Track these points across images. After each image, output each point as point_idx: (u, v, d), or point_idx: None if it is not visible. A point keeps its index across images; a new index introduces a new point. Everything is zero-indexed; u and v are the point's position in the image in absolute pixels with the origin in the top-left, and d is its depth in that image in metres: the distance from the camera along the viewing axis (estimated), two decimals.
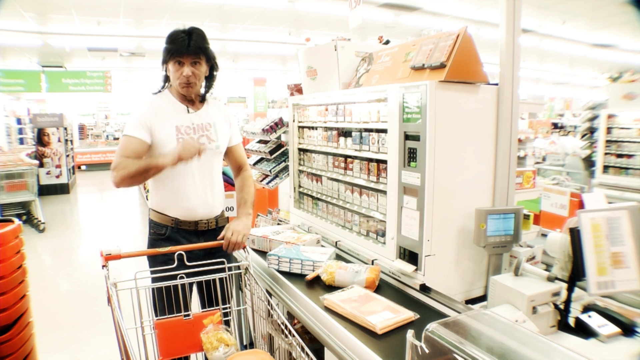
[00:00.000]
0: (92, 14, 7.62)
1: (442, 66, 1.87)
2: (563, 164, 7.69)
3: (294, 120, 3.07)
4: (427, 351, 1.05)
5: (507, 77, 1.98)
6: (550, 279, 1.69)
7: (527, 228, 2.31)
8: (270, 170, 3.37)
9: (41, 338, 2.62)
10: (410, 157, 1.95)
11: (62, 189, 9.62)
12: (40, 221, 6.69)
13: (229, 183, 3.27)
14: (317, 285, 2.00)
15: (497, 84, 2.02)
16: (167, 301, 1.67)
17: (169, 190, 1.96)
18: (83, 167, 13.29)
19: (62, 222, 7.42)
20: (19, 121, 13.28)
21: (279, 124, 3.20)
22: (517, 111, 2.04)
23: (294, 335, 1.45)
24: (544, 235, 2.23)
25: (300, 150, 3.08)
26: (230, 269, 1.77)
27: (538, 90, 18.72)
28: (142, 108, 1.96)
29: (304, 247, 2.31)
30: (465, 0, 7.03)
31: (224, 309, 1.76)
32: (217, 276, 1.74)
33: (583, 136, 8.19)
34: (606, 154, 7.08)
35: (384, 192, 2.17)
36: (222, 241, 1.88)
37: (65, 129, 9.74)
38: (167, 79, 2.01)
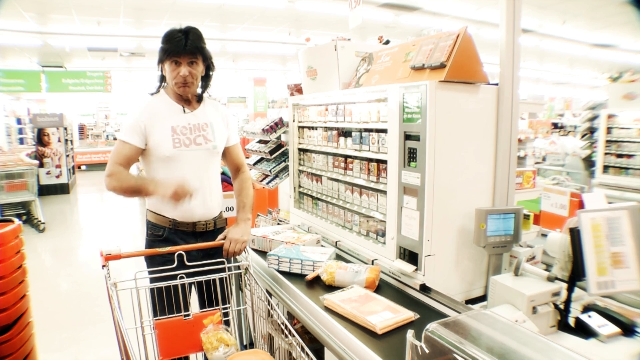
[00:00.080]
0: (92, 14, 7.62)
1: (442, 66, 1.87)
2: (563, 164, 7.69)
3: (294, 120, 3.07)
4: (427, 351, 1.05)
5: (507, 77, 1.98)
6: (550, 279, 1.69)
7: (527, 228, 2.31)
8: (270, 170, 3.37)
9: (41, 338, 2.62)
10: (410, 157, 1.95)
11: (62, 189, 9.63)
12: (40, 221, 6.69)
13: (228, 183, 3.27)
14: (317, 285, 2.00)
15: (497, 84, 2.02)
16: (166, 302, 1.67)
17: None
18: (83, 167, 13.30)
19: (62, 222, 7.42)
20: (19, 121, 13.28)
21: (279, 124, 3.20)
22: (517, 111, 2.04)
23: (294, 335, 1.45)
24: (544, 235, 2.23)
25: (300, 150, 3.08)
26: (230, 269, 1.77)
27: (538, 90, 18.73)
28: (136, 110, 1.95)
29: (304, 247, 2.31)
30: (465, 0, 7.03)
31: (223, 309, 1.76)
32: (217, 276, 1.74)
33: (583, 136, 8.19)
34: (606, 154, 7.08)
35: (384, 192, 2.17)
36: (222, 241, 1.87)
37: (65, 129, 9.74)
38: (162, 78, 1.99)
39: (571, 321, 1.71)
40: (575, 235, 1.65)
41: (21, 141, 12.87)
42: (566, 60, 12.83)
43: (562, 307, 1.71)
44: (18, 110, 14.17)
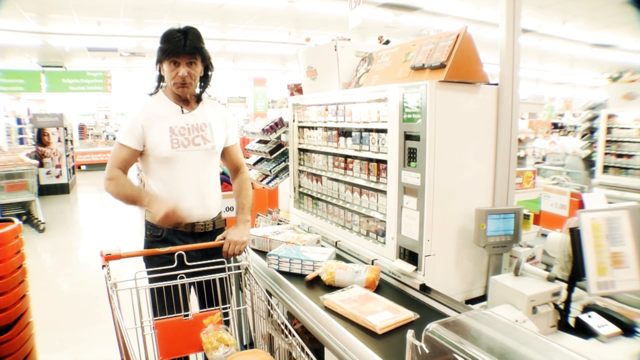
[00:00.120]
0: (92, 14, 7.62)
1: (442, 66, 1.87)
2: (563, 164, 7.69)
3: (294, 120, 3.07)
4: (427, 351, 1.05)
5: (507, 77, 1.98)
6: (550, 279, 1.69)
7: (527, 228, 2.31)
8: (270, 170, 3.37)
9: (41, 338, 2.62)
10: (410, 157, 1.95)
11: (62, 189, 9.63)
12: (40, 221, 6.69)
13: (229, 183, 3.27)
14: (317, 285, 2.00)
15: (497, 84, 2.02)
16: (166, 302, 1.67)
17: (164, 191, 1.93)
18: (83, 167, 13.30)
19: (62, 222, 7.42)
20: (19, 121, 13.28)
21: (279, 124, 3.20)
22: (517, 111, 2.04)
23: (294, 335, 1.45)
24: (544, 235, 2.23)
25: (300, 150, 3.08)
26: (230, 269, 1.77)
27: (538, 90, 18.72)
28: (134, 112, 1.95)
29: (304, 247, 2.31)
30: (465, 0, 7.03)
31: (223, 309, 1.76)
32: (217, 276, 1.74)
33: (583, 136, 8.19)
34: (606, 154, 7.08)
35: (384, 192, 2.17)
36: (221, 242, 1.87)
37: (65, 129, 9.75)
38: (161, 78, 1.98)
39: (571, 321, 1.71)
40: (575, 235, 1.65)
41: (21, 141, 12.87)
42: (566, 60, 12.83)
43: (562, 307, 1.71)
44: (18, 110, 14.17)
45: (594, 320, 1.64)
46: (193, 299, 1.95)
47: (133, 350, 1.36)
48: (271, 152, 3.33)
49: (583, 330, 1.64)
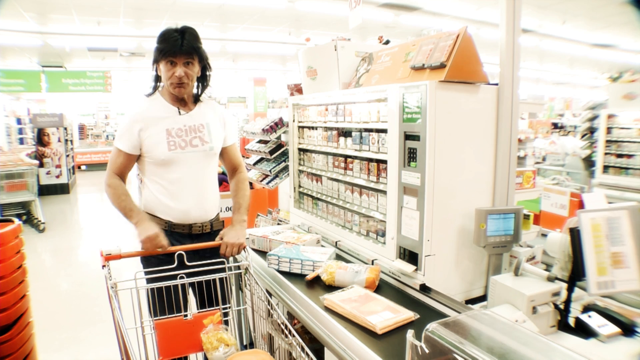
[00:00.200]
0: (92, 14, 7.62)
1: (442, 66, 1.87)
2: (563, 164, 7.69)
3: (294, 120, 3.07)
4: (427, 351, 1.05)
5: (507, 77, 1.98)
6: (550, 279, 1.69)
7: (527, 228, 2.31)
8: (270, 170, 3.37)
9: (41, 338, 2.62)
10: (410, 157, 1.95)
11: (62, 189, 9.63)
12: (40, 221, 6.69)
13: (228, 183, 3.27)
14: (317, 285, 2.00)
15: (497, 84, 2.02)
16: (166, 302, 1.67)
17: (161, 192, 1.93)
18: (83, 167, 13.30)
19: (62, 222, 7.42)
20: (19, 121, 13.28)
21: (279, 124, 3.20)
22: (517, 111, 2.04)
23: (294, 335, 1.45)
24: (544, 235, 2.23)
25: (300, 150, 3.08)
26: (230, 269, 1.77)
27: (538, 90, 18.73)
28: (130, 114, 1.94)
29: (304, 247, 2.31)
30: (465, 0, 7.04)
31: (223, 309, 1.76)
32: (217, 276, 1.74)
33: (583, 136, 8.19)
34: (606, 154, 7.08)
35: (384, 192, 2.17)
36: (219, 242, 1.87)
37: (65, 129, 9.74)
38: (157, 79, 1.96)
39: (571, 321, 1.71)
40: (575, 235, 1.65)
41: (21, 141, 12.87)
42: (566, 60, 12.83)
43: (562, 307, 1.71)
44: (18, 110, 14.17)
45: (594, 320, 1.64)
46: (193, 299, 1.95)
47: (133, 350, 1.36)
48: (271, 152, 3.33)
49: (583, 330, 1.64)
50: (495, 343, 1.04)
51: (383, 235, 2.21)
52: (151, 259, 1.84)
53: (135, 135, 1.88)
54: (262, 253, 2.45)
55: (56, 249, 5.96)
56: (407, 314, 1.61)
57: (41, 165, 9.18)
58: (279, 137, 3.28)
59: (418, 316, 1.62)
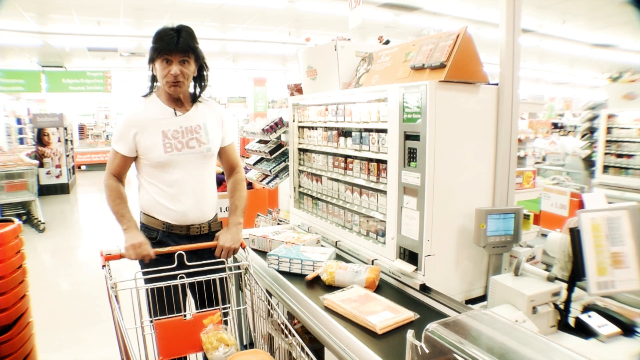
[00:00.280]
0: (92, 14, 7.63)
1: (442, 66, 1.87)
2: (563, 164, 7.69)
3: (294, 120, 3.07)
4: (427, 351, 1.05)
5: (507, 77, 1.98)
6: (550, 279, 1.69)
7: (527, 228, 2.31)
8: (270, 170, 3.37)
9: (41, 338, 2.63)
10: (410, 157, 1.95)
11: (62, 189, 9.62)
12: (40, 221, 6.69)
13: None
14: (317, 285, 2.00)
15: (497, 84, 2.02)
16: (165, 302, 1.67)
17: (158, 194, 1.92)
18: (83, 167, 13.29)
19: (62, 222, 7.42)
20: (19, 121, 13.28)
21: (279, 124, 3.20)
22: (517, 111, 2.04)
23: (294, 335, 1.45)
24: (544, 235, 2.23)
25: (300, 150, 3.08)
26: (230, 268, 1.77)
27: (538, 90, 18.72)
28: (126, 116, 1.93)
29: (304, 247, 2.31)
30: (465, 0, 7.04)
31: (223, 309, 1.76)
32: (216, 276, 1.74)
33: (583, 136, 8.19)
34: (606, 154, 7.08)
35: (384, 192, 2.17)
36: (216, 242, 1.87)
37: (65, 129, 9.74)
38: (154, 79, 1.95)
39: (571, 321, 1.71)
40: (575, 235, 1.65)
41: (21, 141, 12.87)
42: (566, 60, 12.83)
43: (562, 307, 1.71)
44: (18, 110, 14.17)
45: (594, 320, 1.64)
46: (192, 300, 1.95)
47: (133, 350, 1.36)
48: (271, 152, 3.33)
49: (583, 330, 1.64)
50: (495, 343, 1.04)
51: (383, 235, 2.21)
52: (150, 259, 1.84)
53: (130, 139, 1.88)
54: (262, 253, 2.45)
55: (56, 249, 5.96)
56: (407, 314, 1.61)
57: (41, 165, 9.18)
58: (279, 137, 3.28)
59: (418, 316, 1.62)
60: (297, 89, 3.21)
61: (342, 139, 2.56)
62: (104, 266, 1.59)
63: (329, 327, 1.63)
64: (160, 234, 1.93)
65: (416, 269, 1.93)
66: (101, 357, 3.19)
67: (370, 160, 2.34)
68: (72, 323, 3.71)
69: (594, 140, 7.54)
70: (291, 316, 2.18)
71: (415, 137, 1.91)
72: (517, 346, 1.01)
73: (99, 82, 11.23)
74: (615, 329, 1.60)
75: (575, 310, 1.75)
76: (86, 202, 9.50)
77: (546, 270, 1.79)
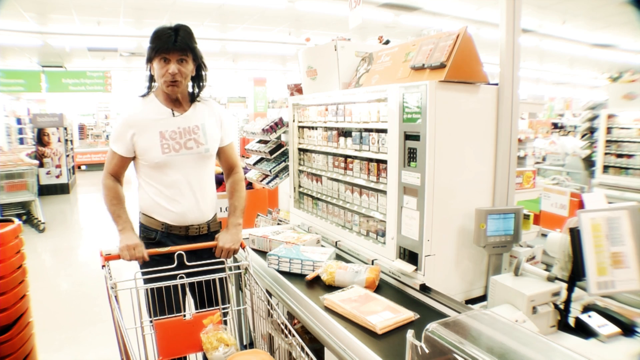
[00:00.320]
0: (92, 14, 7.63)
1: (442, 66, 1.87)
2: (563, 164, 7.69)
3: (294, 120, 3.07)
4: (427, 351, 1.05)
5: (507, 77, 1.98)
6: (550, 279, 1.69)
7: (527, 228, 2.31)
8: (270, 170, 3.37)
9: (41, 338, 2.62)
10: (410, 157, 1.95)
11: (62, 189, 9.62)
12: (40, 221, 6.69)
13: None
14: (317, 285, 2.00)
15: (497, 84, 2.02)
16: (164, 302, 1.67)
17: (157, 195, 1.91)
18: (83, 167, 13.29)
19: (62, 222, 7.42)
20: (19, 121, 13.28)
21: (279, 124, 3.20)
22: (517, 111, 2.04)
23: (294, 335, 1.45)
24: (544, 235, 2.23)
25: (300, 150, 3.08)
26: (230, 268, 1.77)
27: (538, 90, 18.72)
28: (123, 117, 1.93)
29: (304, 247, 2.31)
30: (465, 0, 7.04)
31: (223, 309, 1.76)
32: (216, 276, 1.73)
33: (583, 136, 8.19)
34: (606, 154, 7.08)
35: (384, 192, 2.17)
36: (216, 242, 1.87)
37: (65, 129, 9.74)
38: (151, 79, 1.94)
39: (571, 321, 1.71)
40: (575, 235, 1.65)
41: (21, 141, 12.87)
42: (566, 60, 12.83)
43: (562, 307, 1.71)
44: (18, 110, 14.17)
45: (594, 320, 1.64)
46: (192, 300, 1.95)
47: (133, 350, 1.36)
48: (271, 152, 3.33)
49: (583, 330, 1.64)
50: (495, 343, 1.04)
51: (383, 235, 2.21)
52: (150, 259, 1.84)
53: (128, 140, 1.87)
54: (262, 253, 2.45)
55: (56, 249, 5.96)
56: (407, 314, 1.61)
57: (41, 165, 9.18)
58: (279, 137, 3.28)
59: (418, 316, 1.62)
60: (297, 89, 3.21)
61: (342, 139, 2.56)
62: (103, 266, 1.59)
63: (329, 327, 1.63)
64: (159, 234, 1.93)
65: (416, 269, 1.93)
66: (101, 357, 3.19)
67: (370, 160, 2.34)
68: (72, 323, 3.71)
69: (594, 140, 7.54)
70: (291, 316, 2.18)
71: (415, 137, 1.91)
72: (517, 346, 1.01)
73: (99, 82, 11.23)
74: (615, 329, 1.60)
75: (575, 310, 1.75)
76: (86, 202, 9.49)
77: (546, 270, 1.79)
